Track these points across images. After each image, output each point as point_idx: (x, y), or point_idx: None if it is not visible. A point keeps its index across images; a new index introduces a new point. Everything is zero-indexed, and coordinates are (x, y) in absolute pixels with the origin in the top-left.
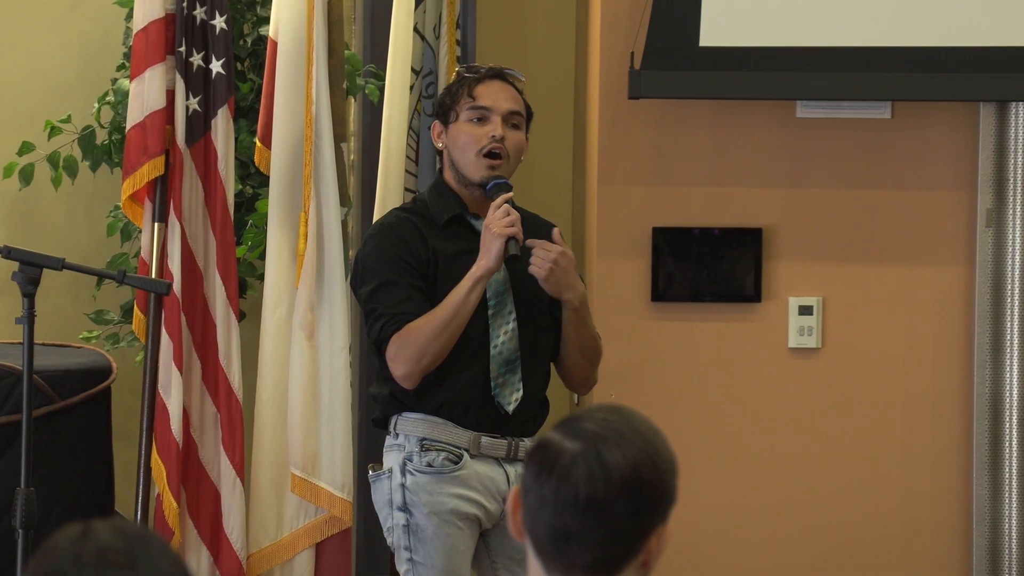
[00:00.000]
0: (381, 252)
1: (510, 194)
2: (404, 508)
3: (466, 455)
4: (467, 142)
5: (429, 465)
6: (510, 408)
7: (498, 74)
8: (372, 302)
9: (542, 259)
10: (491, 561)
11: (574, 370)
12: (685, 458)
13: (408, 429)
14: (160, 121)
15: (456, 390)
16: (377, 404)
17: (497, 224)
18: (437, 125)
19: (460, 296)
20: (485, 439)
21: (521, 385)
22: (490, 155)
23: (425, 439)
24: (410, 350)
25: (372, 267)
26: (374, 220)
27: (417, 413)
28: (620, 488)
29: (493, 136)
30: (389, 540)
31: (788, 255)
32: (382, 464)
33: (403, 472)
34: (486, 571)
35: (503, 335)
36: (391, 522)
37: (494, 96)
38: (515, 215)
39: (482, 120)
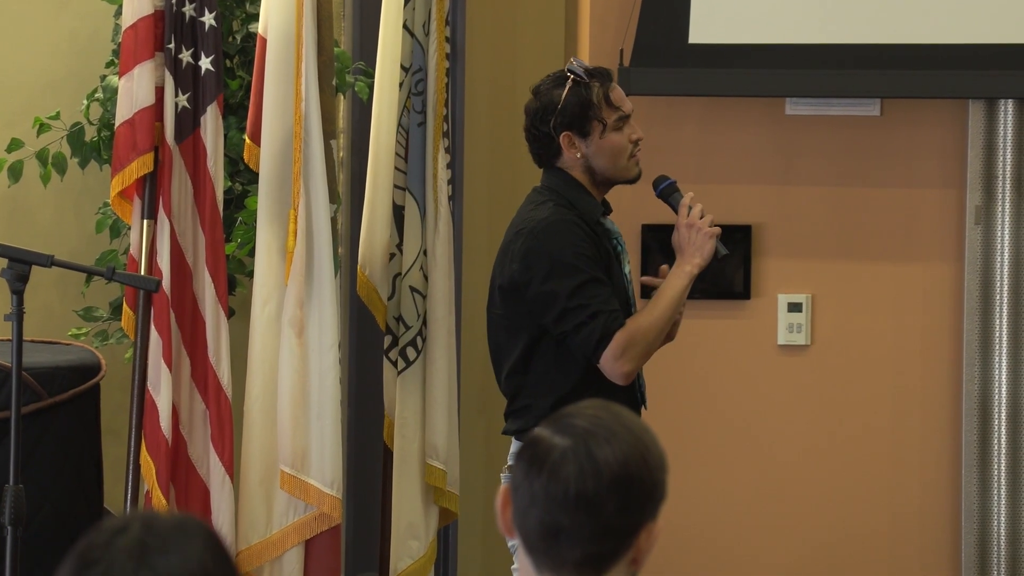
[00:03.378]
0: (577, 248)
1: (691, 193)
2: None
3: None
4: (619, 149)
5: None
6: (646, 400)
7: (612, 76)
8: (579, 298)
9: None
10: None
11: None
12: (675, 455)
13: None
14: (149, 118)
15: (611, 389)
16: (527, 413)
17: (704, 224)
18: (570, 136)
19: (678, 293)
20: None
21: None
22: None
23: None
24: (639, 348)
25: (571, 262)
26: (364, 217)
27: None
28: (610, 484)
29: (638, 140)
30: None
31: (777, 252)
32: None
33: None
34: None
35: None
36: None
37: (625, 100)
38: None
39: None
